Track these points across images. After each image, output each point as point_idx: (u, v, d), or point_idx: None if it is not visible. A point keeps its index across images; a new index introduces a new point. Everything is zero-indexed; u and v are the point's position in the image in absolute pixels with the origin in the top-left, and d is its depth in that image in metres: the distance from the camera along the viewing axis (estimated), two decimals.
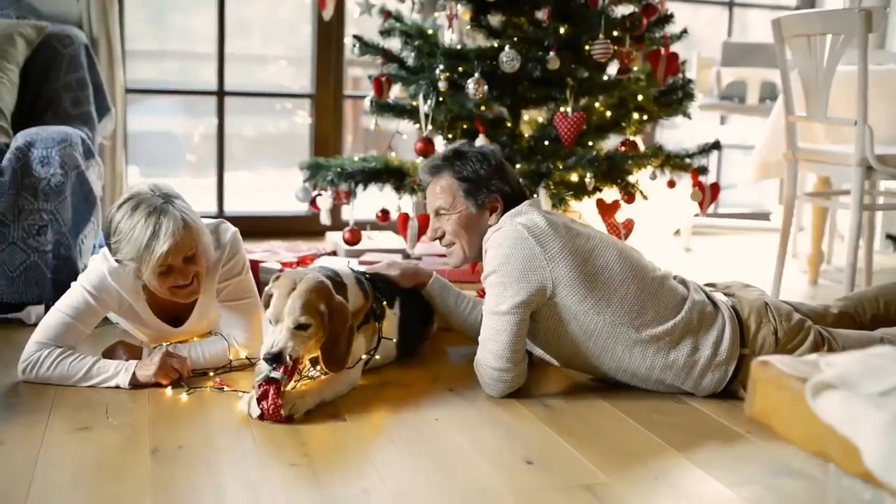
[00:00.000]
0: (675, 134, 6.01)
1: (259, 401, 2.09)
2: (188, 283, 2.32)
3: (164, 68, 6.13)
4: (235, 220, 2.73)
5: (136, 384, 2.30)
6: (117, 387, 2.29)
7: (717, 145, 3.39)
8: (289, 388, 2.16)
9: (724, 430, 2.14)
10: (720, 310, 2.34)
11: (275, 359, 2.09)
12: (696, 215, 4.23)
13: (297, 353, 2.13)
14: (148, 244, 2.20)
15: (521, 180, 2.83)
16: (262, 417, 2.09)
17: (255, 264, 3.44)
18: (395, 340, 2.51)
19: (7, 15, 3.54)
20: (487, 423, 2.15)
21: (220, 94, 4.59)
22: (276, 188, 5.89)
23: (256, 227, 4.59)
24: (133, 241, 2.21)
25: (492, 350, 2.27)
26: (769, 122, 3.92)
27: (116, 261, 2.29)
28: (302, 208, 4.42)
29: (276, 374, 2.11)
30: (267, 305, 2.22)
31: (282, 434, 2.03)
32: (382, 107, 3.37)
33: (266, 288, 2.24)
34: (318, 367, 2.30)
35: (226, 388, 2.32)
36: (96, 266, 2.39)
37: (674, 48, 3.35)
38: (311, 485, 1.78)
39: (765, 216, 5.71)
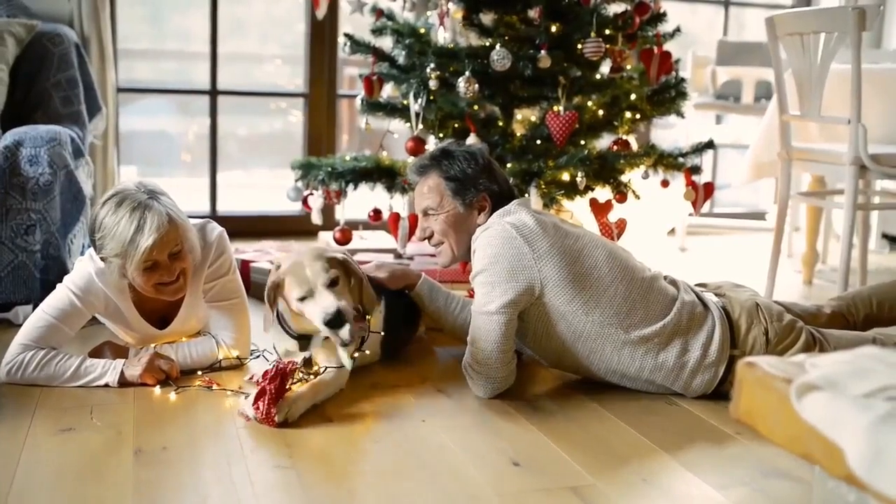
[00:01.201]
0: (672, 134, 5.99)
1: (256, 399, 2.06)
2: (174, 279, 2.29)
3: (161, 68, 6.11)
4: (228, 220, 2.71)
5: (123, 383, 2.28)
6: (106, 386, 2.27)
7: (710, 144, 3.36)
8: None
9: (714, 432, 2.12)
10: (710, 310, 2.32)
11: (337, 318, 2.11)
12: (690, 215, 4.22)
13: (351, 305, 2.18)
14: (133, 239, 2.18)
15: (512, 179, 2.82)
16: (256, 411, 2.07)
17: (246, 264, 3.43)
18: (381, 334, 2.49)
19: None
20: (475, 425, 2.13)
21: (213, 93, 4.57)
22: (272, 188, 5.87)
23: (250, 227, 4.57)
24: (117, 237, 2.19)
25: (480, 350, 2.25)
26: (763, 121, 3.90)
27: (101, 258, 2.27)
28: (295, 208, 4.41)
29: (306, 354, 2.22)
30: (273, 296, 2.24)
31: (268, 436, 2.01)
32: (373, 106, 3.36)
33: (270, 280, 2.24)
34: (316, 368, 2.29)
35: (214, 387, 2.30)
36: (83, 267, 2.36)
37: (670, 47, 3.33)
38: (296, 487, 1.76)
39: (760, 216, 5.69)
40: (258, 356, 2.56)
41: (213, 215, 4.60)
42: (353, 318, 2.16)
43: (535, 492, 1.76)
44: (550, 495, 1.75)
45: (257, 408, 2.04)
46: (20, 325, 2.43)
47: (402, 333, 2.68)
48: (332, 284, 2.16)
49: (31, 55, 3.42)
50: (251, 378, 2.37)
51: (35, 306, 2.50)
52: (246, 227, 4.52)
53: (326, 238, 4.02)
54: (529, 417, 2.18)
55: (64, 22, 3.85)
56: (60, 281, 2.39)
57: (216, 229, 2.47)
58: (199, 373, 2.39)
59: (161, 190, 2.31)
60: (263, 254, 3.65)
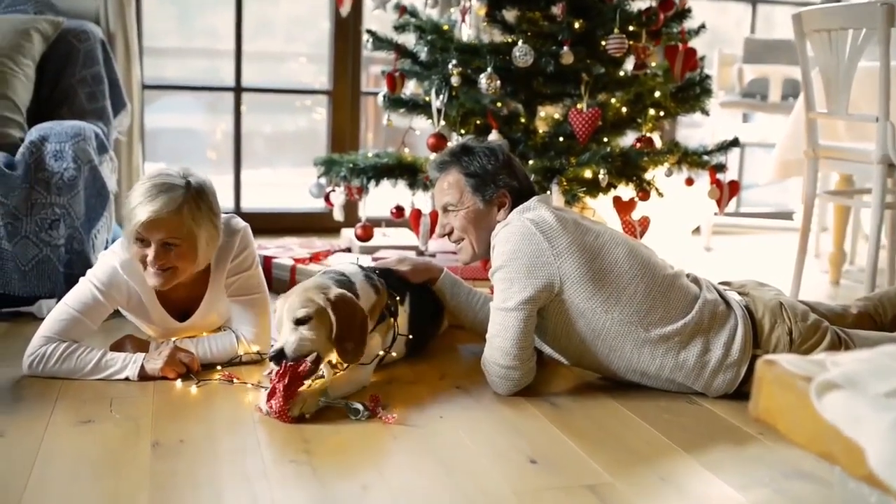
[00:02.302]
0: (698, 132, 5.94)
1: (268, 398, 2.07)
2: (161, 267, 2.27)
3: (190, 66, 6.17)
4: (252, 217, 2.72)
5: (143, 376, 2.29)
6: (126, 379, 2.29)
7: (735, 142, 3.33)
8: (304, 386, 2.14)
9: (736, 432, 2.09)
10: (733, 309, 2.29)
11: (276, 356, 2.12)
12: (716, 214, 4.17)
13: (302, 350, 2.12)
14: (135, 207, 2.23)
15: (534, 177, 2.80)
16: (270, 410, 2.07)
17: (268, 260, 3.44)
18: (410, 337, 2.48)
19: (24, 10, 3.56)
20: (493, 421, 2.12)
21: (238, 90, 4.59)
22: (296, 185, 5.90)
23: (273, 224, 4.59)
24: (130, 199, 2.26)
25: (499, 347, 2.24)
26: (790, 119, 3.85)
27: None
28: (318, 205, 4.41)
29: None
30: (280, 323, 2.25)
31: (285, 430, 2.01)
32: (395, 102, 3.35)
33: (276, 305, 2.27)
34: (337, 363, 2.28)
35: (235, 381, 2.31)
36: (106, 261, 2.38)
37: (698, 45, 3.30)
38: (310, 481, 1.75)
39: (788, 215, 5.62)
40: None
41: (238, 212, 4.62)
42: (306, 362, 2.11)
43: (552, 490, 1.75)
44: (568, 493, 1.73)
45: (270, 406, 2.05)
46: (44, 319, 2.45)
47: (427, 330, 2.67)
48: (300, 322, 2.15)
49: (57, 52, 3.45)
50: (269, 373, 2.37)
51: (58, 301, 2.52)
52: (269, 224, 4.54)
53: (350, 235, 4.03)
54: (548, 415, 2.16)
55: (90, 19, 3.87)
56: (84, 275, 2.41)
57: (240, 224, 2.48)
58: (219, 367, 2.40)
59: (206, 187, 2.32)
60: (286, 250, 3.66)
